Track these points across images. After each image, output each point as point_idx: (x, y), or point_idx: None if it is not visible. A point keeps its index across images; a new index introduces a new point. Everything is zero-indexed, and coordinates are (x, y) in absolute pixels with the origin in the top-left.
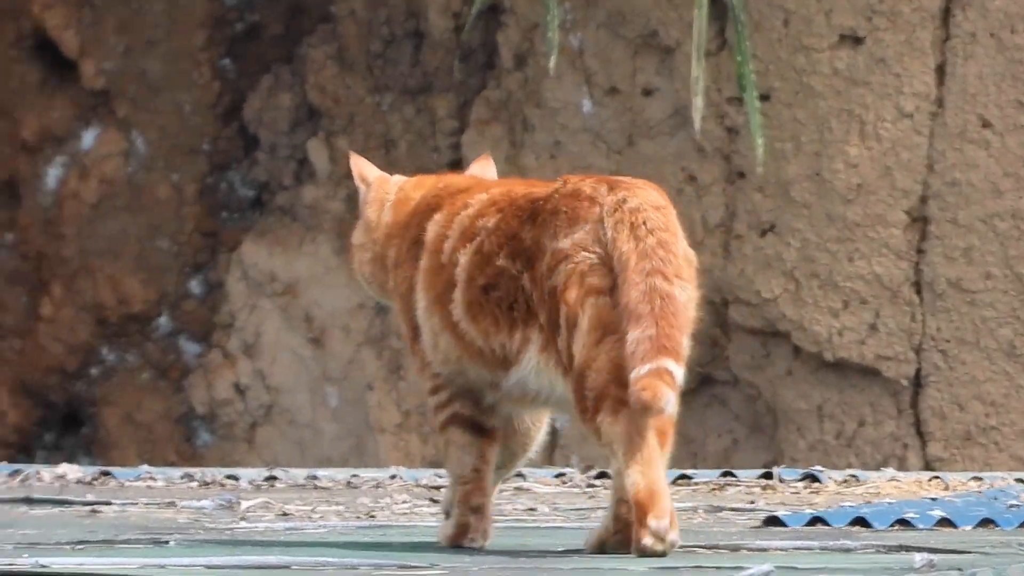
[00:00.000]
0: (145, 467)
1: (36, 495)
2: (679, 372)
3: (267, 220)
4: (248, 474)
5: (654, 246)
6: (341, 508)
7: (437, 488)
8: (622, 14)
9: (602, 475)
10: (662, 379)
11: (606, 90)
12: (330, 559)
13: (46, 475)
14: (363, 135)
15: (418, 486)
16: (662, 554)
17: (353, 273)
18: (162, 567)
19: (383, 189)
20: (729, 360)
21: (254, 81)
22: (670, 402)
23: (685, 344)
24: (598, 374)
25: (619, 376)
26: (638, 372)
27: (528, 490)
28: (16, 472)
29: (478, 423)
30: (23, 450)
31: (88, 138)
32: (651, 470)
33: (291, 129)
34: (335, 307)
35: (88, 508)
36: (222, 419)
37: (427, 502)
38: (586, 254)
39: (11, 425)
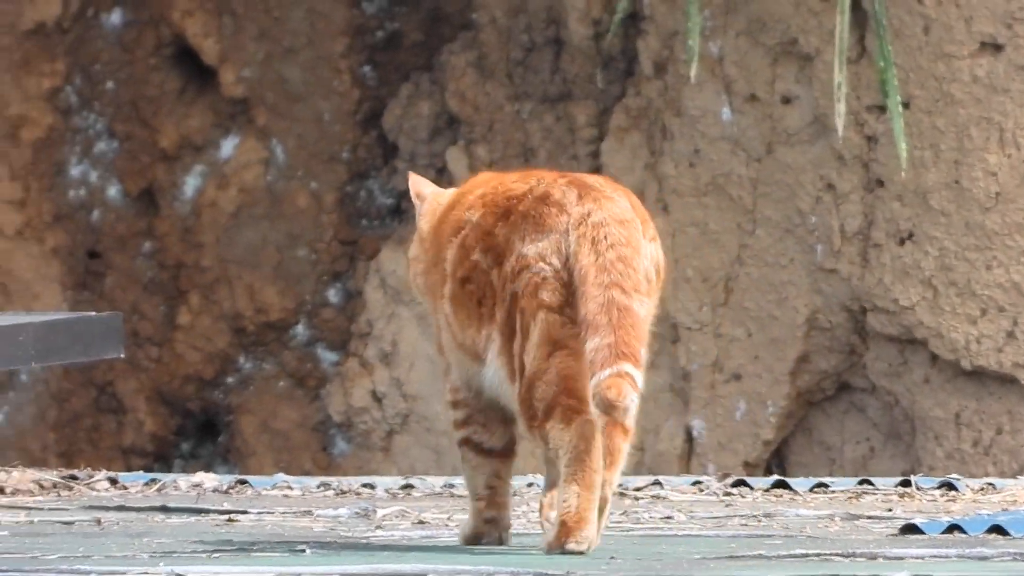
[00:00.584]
0: (281, 476)
1: (173, 504)
2: (639, 375)
3: (406, 228)
4: (384, 482)
5: (613, 260)
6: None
7: None
8: (762, 21)
9: (739, 483)
10: (624, 379)
11: (745, 98)
12: (466, 567)
13: (183, 484)
14: (502, 143)
15: None
16: None
17: (409, 286)
18: (298, 575)
19: (435, 202)
20: (867, 368)
21: (394, 89)
22: (633, 400)
23: (643, 353)
24: (548, 385)
25: (569, 388)
26: (599, 377)
27: (665, 498)
28: (153, 481)
29: (490, 447)
30: (160, 459)
31: (227, 146)
32: (587, 494)
33: (430, 137)
34: None
35: (224, 517)
36: (359, 427)
37: None
38: (543, 266)
39: (148, 434)
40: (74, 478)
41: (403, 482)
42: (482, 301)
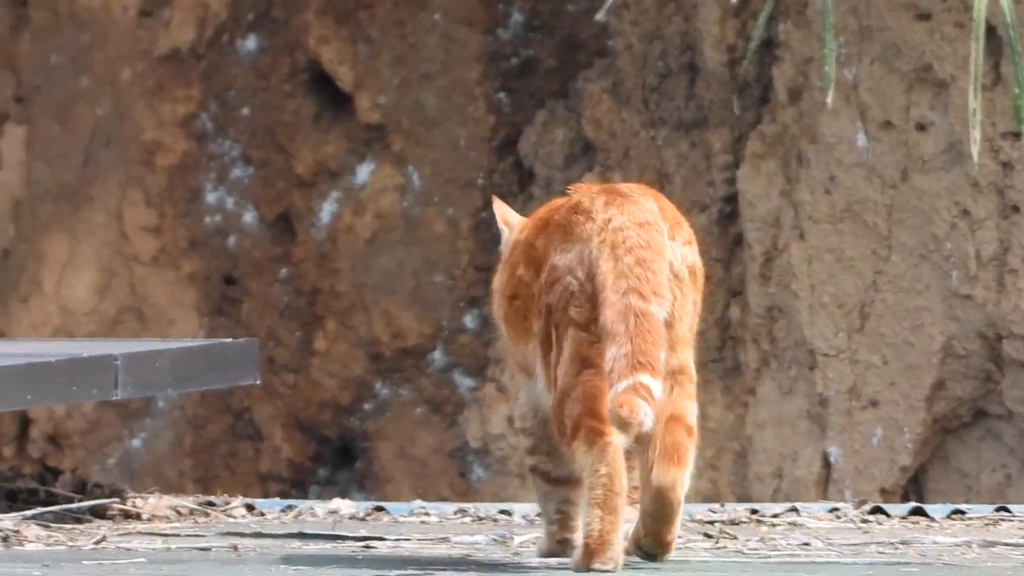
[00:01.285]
0: (419, 502)
1: (309, 530)
2: (655, 385)
3: None
4: (522, 509)
5: (631, 265)
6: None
7: (711, 523)
8: (897, 48)
9: (876, 510)
10: (638, 393)
11: (880, 124)
12: None
13: (319, 510)
14: (637, 169)
15: (693, 521)
16: None
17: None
18: None
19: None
20: (1003, 394)
21: (529, 115)
22: (647, 415)
23: (662, 357)
24: (575, 403)
25: (593, 408)
26: (615, 390)
27: (802, 525)
28: (289, 507)
29: (557, 476)
30: (297, 485)
31: (363, 172)
32: (609, 517)
33: (566, 163)
34: None
35: (361, 543)
36: (496, 454)
37: (701, 537)
38: (571, 280)
39: (285, 460)
40: (211, 504)
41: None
42: (527, 316)
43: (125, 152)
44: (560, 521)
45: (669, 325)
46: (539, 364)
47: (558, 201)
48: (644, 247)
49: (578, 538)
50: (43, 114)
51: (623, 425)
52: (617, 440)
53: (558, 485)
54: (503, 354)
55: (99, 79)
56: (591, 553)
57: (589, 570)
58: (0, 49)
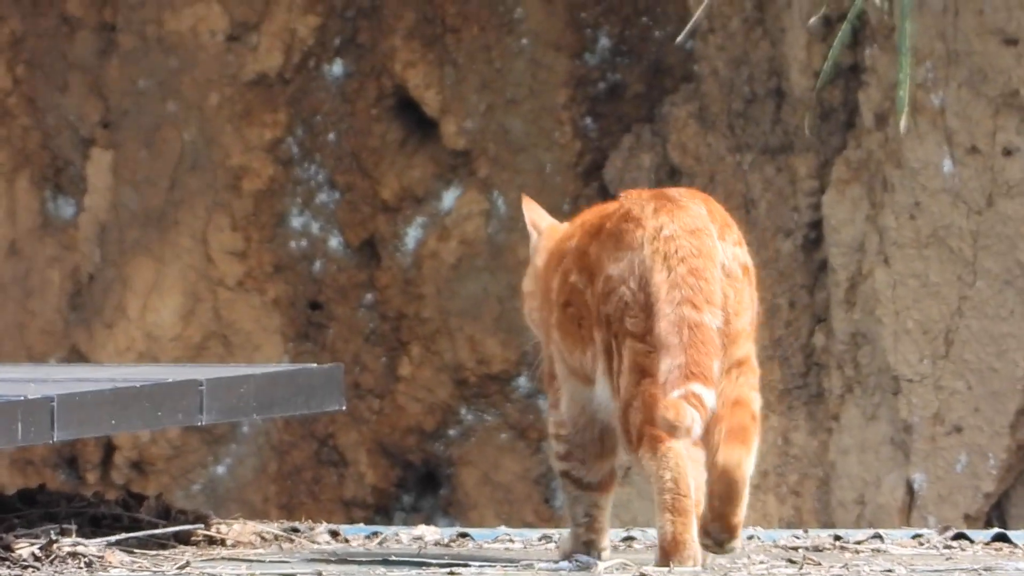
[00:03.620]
0: (503, 528)
1: (394, 556)
2: (708, 394)
3: None
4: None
5: (684, 275)
6: (698, 569)
7: (795, 548)
8: (983, 72)
9: (959, 536)
10: (688, 401)
11: (967, 149)
12: None
13: (404, 536)
14: (723, 194)
15: (776, 547)
16: None
17: (524, 319)
18: None
19: (550, 237)
20: None
21: (615, 140)
22: (695, 421)
23: (716, 367)
24: (637, 412)
25: (653, 417)
26: (668, 397)
27: (885, 551)
28: (374, 534)
29: (588, 482)
30: (381, 511)
31: (448, 198)
32: (680, 519)
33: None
34: None
35: (446, 570)
36: None
37: (784, 563)
38: (625, 290)
39: (369, 486)
40: (295, 530)
41: (624, 534)
42: (581, 323)
43: (211, 177)
44: (588, 524)
45: (727, 323)
46: (601, 370)
47: (608, 206)
48: (696, 255)
49: (603, 540)
50: (130, 139)
51: (670, 428)
52: (679, 445)
53: (588, 490)
54: (535, 359)
55: (186, 104)
56: (667, 554)
57: (668, 566)
58: (88, 74)
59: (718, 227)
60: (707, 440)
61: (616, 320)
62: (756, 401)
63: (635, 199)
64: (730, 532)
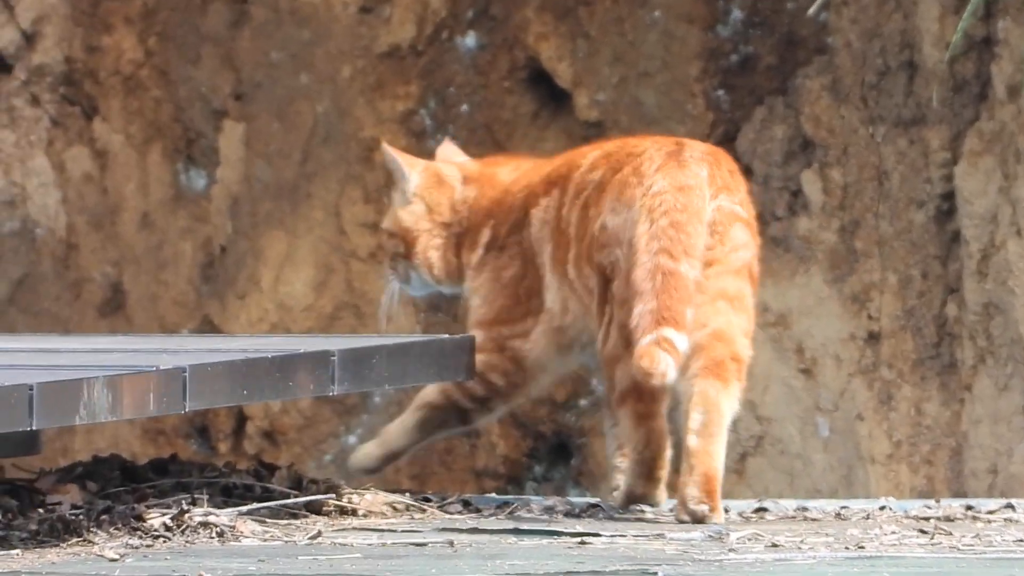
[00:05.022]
0: None
1: (525, 526)
2: (679, 338)
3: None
4: (738, 505)
5: (664, 227)
6: (830, 539)
7: (927, 519)
8: None
9: None
10: (660, 346)
11: None
12: None
13: (535, 506)
14: (856, 166)
15: (907, 517)
16: None
17: (413, 266)
18: None
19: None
20: None
21: (748, 112)
22: (669, 366)
23: (688, 314)
24: (624, 377)
25: (640, 389)
26: (639, 344)
27: (1017, 521)
28: (505, 504)
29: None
30: (512, 481)
31: None
32: (649, 484)
33: (784, 160)
34: (826, 337)
35: (577, 539)
36: None
37: (916, 533)
38: (617, 252)
39: (500, 456)
40: (427, 500)
41: (756, 505)
42: (568, 247)
43: (344, 149)
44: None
45: (715, 259)
46: (595, 308)
47: (637, 146)
48: (680, 210)
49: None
50: (262, 111)
51: (645, 375)
52: (661, 423)
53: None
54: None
55: (319, 76)
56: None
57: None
58: (220, 46)
59: (714, 189)
60: (683, 371)
61: (609, 274)
62: (741, 343)
63: (656, 150)
64: (710, 497)
